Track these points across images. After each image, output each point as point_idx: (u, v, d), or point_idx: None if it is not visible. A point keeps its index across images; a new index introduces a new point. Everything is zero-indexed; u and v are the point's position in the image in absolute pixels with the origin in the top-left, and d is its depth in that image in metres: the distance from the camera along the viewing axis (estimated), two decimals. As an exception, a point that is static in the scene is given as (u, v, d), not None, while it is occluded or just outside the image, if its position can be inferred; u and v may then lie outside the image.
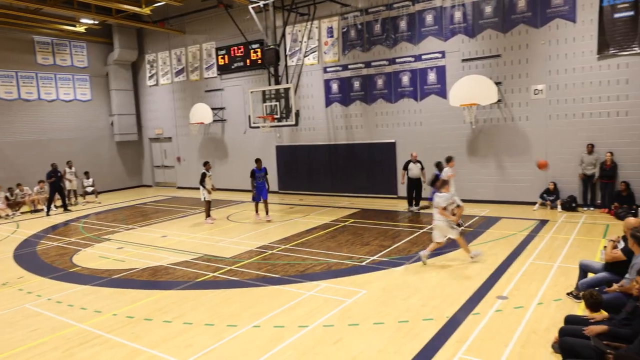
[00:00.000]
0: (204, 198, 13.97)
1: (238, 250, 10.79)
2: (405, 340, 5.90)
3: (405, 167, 14.23)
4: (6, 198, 17.82)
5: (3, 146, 19.58)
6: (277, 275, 8.77)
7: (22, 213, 17.84)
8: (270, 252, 10.50)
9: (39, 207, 18.22)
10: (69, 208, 18.11)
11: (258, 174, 13.74)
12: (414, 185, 14.20)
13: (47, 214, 17.23)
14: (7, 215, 17.24)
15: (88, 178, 20.50)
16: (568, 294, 6.94)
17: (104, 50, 23.08)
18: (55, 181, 17.30)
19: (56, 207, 18.18)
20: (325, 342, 5.98)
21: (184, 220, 15.05)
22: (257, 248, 10.88)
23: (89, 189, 20.26)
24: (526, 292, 7.24)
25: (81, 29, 20.94)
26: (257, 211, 14.16)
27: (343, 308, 7.02)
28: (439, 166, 12.98)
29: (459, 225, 10.39)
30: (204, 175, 13.87)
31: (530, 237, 10.51)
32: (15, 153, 19.90)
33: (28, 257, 11.30)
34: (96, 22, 20.55)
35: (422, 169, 14.15)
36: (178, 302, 7.67)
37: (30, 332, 6.82)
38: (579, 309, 6.49)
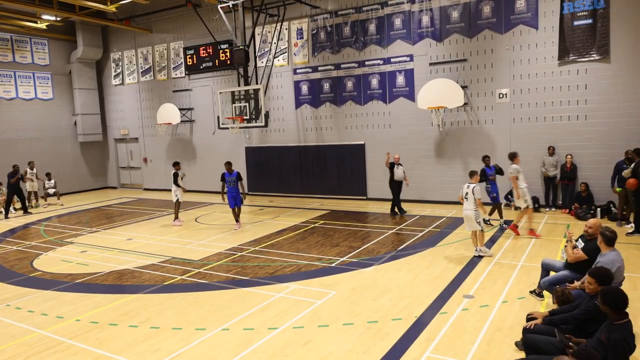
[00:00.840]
0: (178, 199, 13.81)
1: (207, 252, 10.65)
2: (375, 340, 5.95)
3: (392, 170, 13.74)
4: (-39, 200, 17.06)
5: (-42, 146, 18.74)
6: (246, 278, 8.70)
7: (-22, 216, 17.11)
8: (240, 254, 10.41)
9: (-3, 209, 17.51)
10: (29, 210, 17.48)
11: (228, 177, 12.86)
12: (399, 188, 13.88)
13: (6, 217, 16.57)
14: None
15: (50, 179, 19.81)
16: (531, 292, 7.15)
17: (67, 47, 22.39)
18: (15, 182, 16.69)
19: (15, 209, 17.52)
20: (295, 343, 5.97)
21: (150, 222, 14.74)
22: (226, 250, 10.77)
23: (51, 191, 19.59)
24: (491, 291, 7.42)
25: (42, 25, 20.25)
26: (235, 219, 13.17)
27: (313, 309, 7.03)
28: (485, 160, 12.19)
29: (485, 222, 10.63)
30: (176, 176, 13.74)
31: (496, 237, 10.78)
32: (-29, 153, 19.08)
33: (-15, 261, 10.85)
34: (58, 18, 19.93)
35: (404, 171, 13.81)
36: (144, 306, 7.50)
37: (-13, 340, 6.55)
38: (542, 306, 6.71)
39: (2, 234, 13.89)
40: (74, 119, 22.69)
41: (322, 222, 13.48)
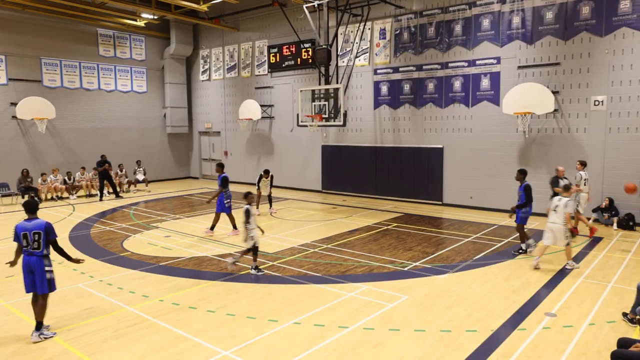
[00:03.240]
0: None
1: (280, 246, 10.92)
2: (448, 350, 5.79)
3: (556, 184, 11.56)
4: (64, 181, 18.79)
5: (64, 132, 20.63)
6: (318, 274, 8.81)
7: (78, 197, 18.76)
8: (312, 250, 10.56)
9: (93, 192, 19.08)
10: (120, 195, 18.83)
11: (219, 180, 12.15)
12: None
13: (100, 200, 18.01)
14: (68, 196, 18.23)
15: (140, 167, 21.27)
16: (624, 314, 6.60)
17: (161, 44, 23.90)
18: (104, 170, 18.06)
19: (109, 193, 18.98)
20: (365, 344, 5.95)
21: (228, 213, 15.35)
22: (299, 245, 10.96)
23: (140, 177, 21.02)
24: (577, 311, 6.95)
25: (141, 23, 21.76)
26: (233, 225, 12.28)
27: (384, 312, 6.97)
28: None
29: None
30: (260, 177, 15.09)
31: (583, 254, 10.08)
32: (74, 139, 20.94)
33: (82, 239, 11.86)
34: (155, 17, 21.32)
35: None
36: (221, 293, 7.84)
37: (82, 310, 7.15)
38: (635, 333, 6.18)
39: (97, 215, 15.11)
40: (164, 111, 24.18)
41: (396, 224, 13.33)
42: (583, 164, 11.99)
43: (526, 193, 9.98)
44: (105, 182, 18.41)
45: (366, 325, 6.50)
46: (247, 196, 9.15)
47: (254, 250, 8.89)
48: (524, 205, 10.01)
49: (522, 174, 10.20)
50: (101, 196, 18.20)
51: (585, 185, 11.70)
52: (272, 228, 12.96)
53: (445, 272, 8.92)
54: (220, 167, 12.60)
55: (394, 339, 6.09)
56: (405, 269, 9.17)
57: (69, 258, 6.54)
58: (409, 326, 6.48)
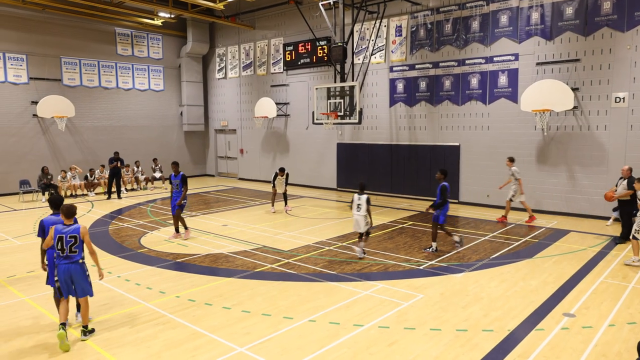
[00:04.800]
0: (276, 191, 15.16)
1: (296, 244, 10.94)
2: (463, 350, 5.74)
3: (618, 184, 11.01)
4: (85, 178, 19.12)
5: (83, 130, 20.95)
6: (333, 272, 8.81)
7: (96, 194, 19.03)
8: (327, 248, 10.56)
9: (112, 189, 19.32)
10: (121, 196, 18.35)
11: (173, 180, 11.47)
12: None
13: (119, 197, 18.21)
14: (87, 193, 18.49)
15: (156, 164, 21.50)
16: (644, 317, 6.49)
17: (178, 43, 24.10)
18: (113, 168, 18.00)
19: (127, 190, 19.16)
20: (380, 343, 5.93)
21: (244, 210, 15.45)
22: (314, 243, 10.97)
23: (157, 175, 21.25)
24: (596, 312, 6.83)
25: (158, 22, 21.97)
26: (175, 228, 11.66)
27: (399, 310, 6.94)
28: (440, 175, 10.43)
29: None
30: (275, 175, 15.00)
31: (602, 254, 9.89)
32: (93, 137, 21.26)
33: (101, 235, 12.03)
34: (172, 15, 21.50)
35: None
36: (237, 290, 7.89)
37: (100, 306, 7.25)
38: (656, 335, 6.06)
39: (115, 212, 15.32)
40: (180, 109, 24.40)
41: (411, 222, 13.25)
42: (512, 160, 13.06)
43: (441, 193, 9.96)
44: (114, 179, 18.04)
45: (381, 324, 6.48)
46: (364, 187, 9.91)
47: (367, 233, 9.84)
48: (440, 205, 9.98)
49: (442, 174, 10.19)
50: (119, 193, 18.37)
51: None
52: (287, 226, 13.00)
53: (462, 271, 8.84)
54: (177, 165, 11.73)
55: (409, 338, 6.06)
56: (421, 267, 9.12)
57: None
58: (424, 325, 6.44)
